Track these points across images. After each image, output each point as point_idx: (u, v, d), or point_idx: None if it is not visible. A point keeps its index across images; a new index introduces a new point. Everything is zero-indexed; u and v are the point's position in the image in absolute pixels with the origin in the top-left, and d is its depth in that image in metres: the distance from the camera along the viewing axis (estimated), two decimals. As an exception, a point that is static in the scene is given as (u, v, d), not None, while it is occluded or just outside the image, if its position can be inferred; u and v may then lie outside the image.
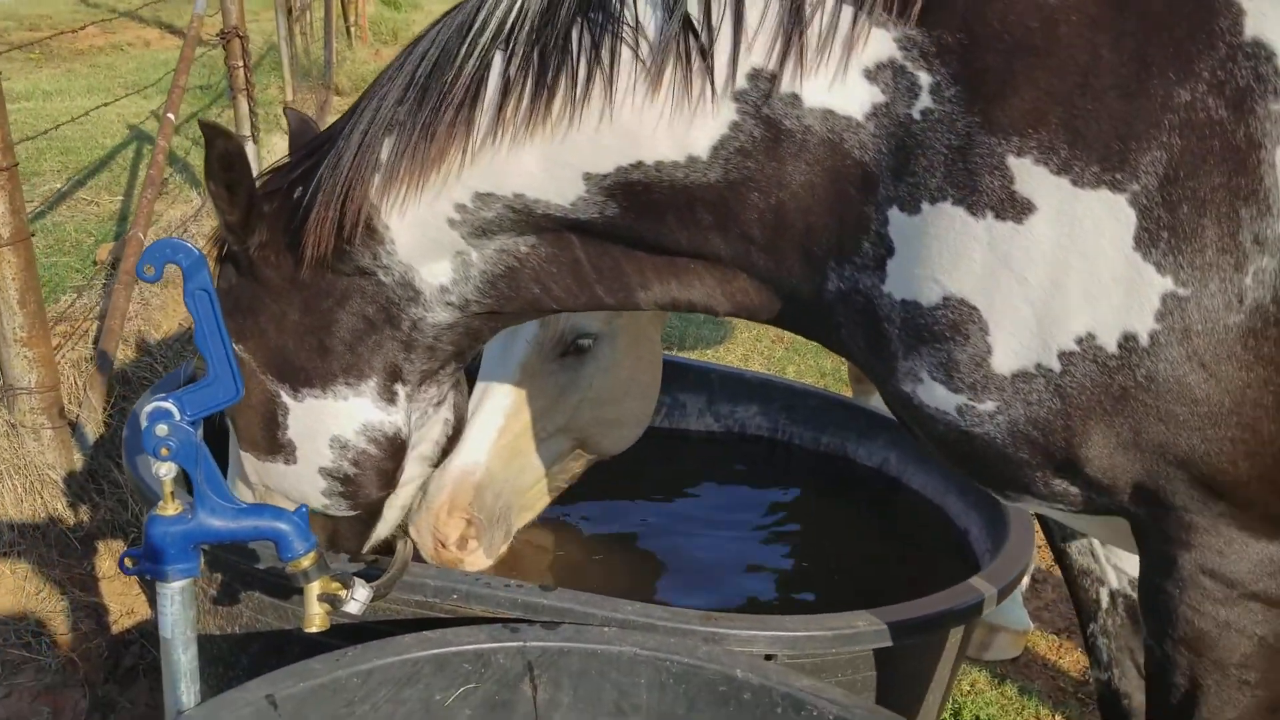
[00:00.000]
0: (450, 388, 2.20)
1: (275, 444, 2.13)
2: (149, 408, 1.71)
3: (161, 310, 4.83)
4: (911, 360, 1.66)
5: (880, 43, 1.61)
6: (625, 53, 1.68)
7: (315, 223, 1.90)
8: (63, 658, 2.84)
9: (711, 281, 1.89)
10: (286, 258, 2.00)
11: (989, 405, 1.61)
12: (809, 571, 2.80)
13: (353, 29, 15.65)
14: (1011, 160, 1.52)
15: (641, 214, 1.80)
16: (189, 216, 6.01)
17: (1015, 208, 1.52)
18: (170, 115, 5.37)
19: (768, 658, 2.10)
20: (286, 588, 2.20)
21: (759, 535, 2.93)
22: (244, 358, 2.06)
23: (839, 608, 2.23)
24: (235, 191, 1.94)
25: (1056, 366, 1.55)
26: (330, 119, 9.58)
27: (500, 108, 1.75)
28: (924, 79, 1.59)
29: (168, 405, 1.71)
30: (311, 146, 2.02)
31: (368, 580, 1.98)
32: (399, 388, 2.08)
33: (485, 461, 2.50)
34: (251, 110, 6.94)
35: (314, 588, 1.83)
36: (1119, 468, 1.58)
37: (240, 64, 6.84)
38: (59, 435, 3.39)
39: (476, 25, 1.76)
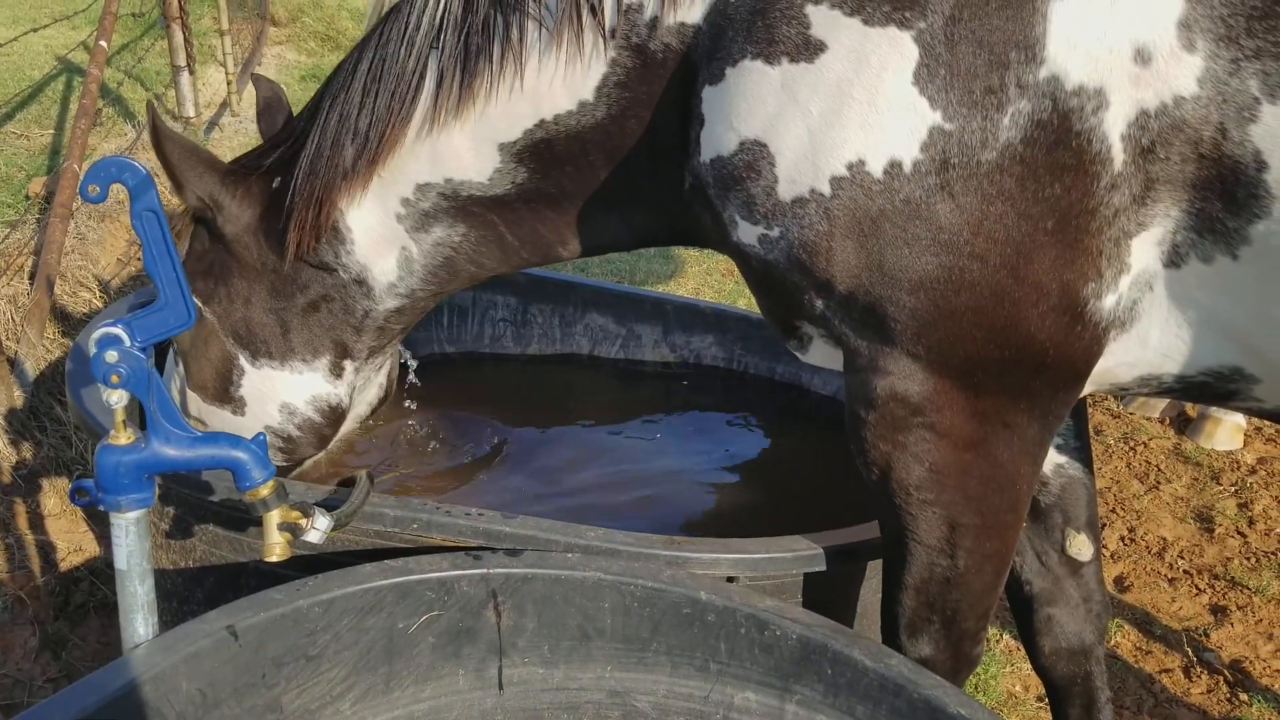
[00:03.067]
0: (391, 355, 2.48)
1: (226, 396, 2.37)
2: (98, 334, 1.66)
3: (99, 245, 4.70)
4: (729, 210, 1.83)
5: None
6: (530, 26, 1.90)
7: (296, 224, 2.15)
8: (10, 596, 2.79)
9: (614, 220, 2.11)
10: (263, 243, 2.25)
11: (775, 231, 1.77)
12: (766, 498, 2.82)
13: (288, -42, 15.20)
14: (810, 8, 1.67)
15: (546, 172, 2.03)
16: (124, 149, 5.83)
17: (809, 49, 1.67)
18: (103, 43, 5.18)
19: (729, 580, 2.11)
20: (242, 520, 2.18)
21: (717, 463, 2.94)
22: (208, 317, 2.30)
23: (797, 532, 2.24)
24: (184, 187, 2.24)
25: (827, 191, 1.69)
26: (267, 50, 9.30)
27: (435, 99, 1.99)
28: None
29: (117, 331, 1.66)
30: (283, 136, 2.27)
31: (328, 510, 1.95)
32: (347, 364, 2.35)
33: None
34: (186, 40, 6.72)
35: (273, 516, 1.80)
36: (861, 289, 1.73)
37: (173, -9, 6.61)
38: (-3, 372, 3.29)
39: (411, 27, 1.99)
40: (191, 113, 6.81)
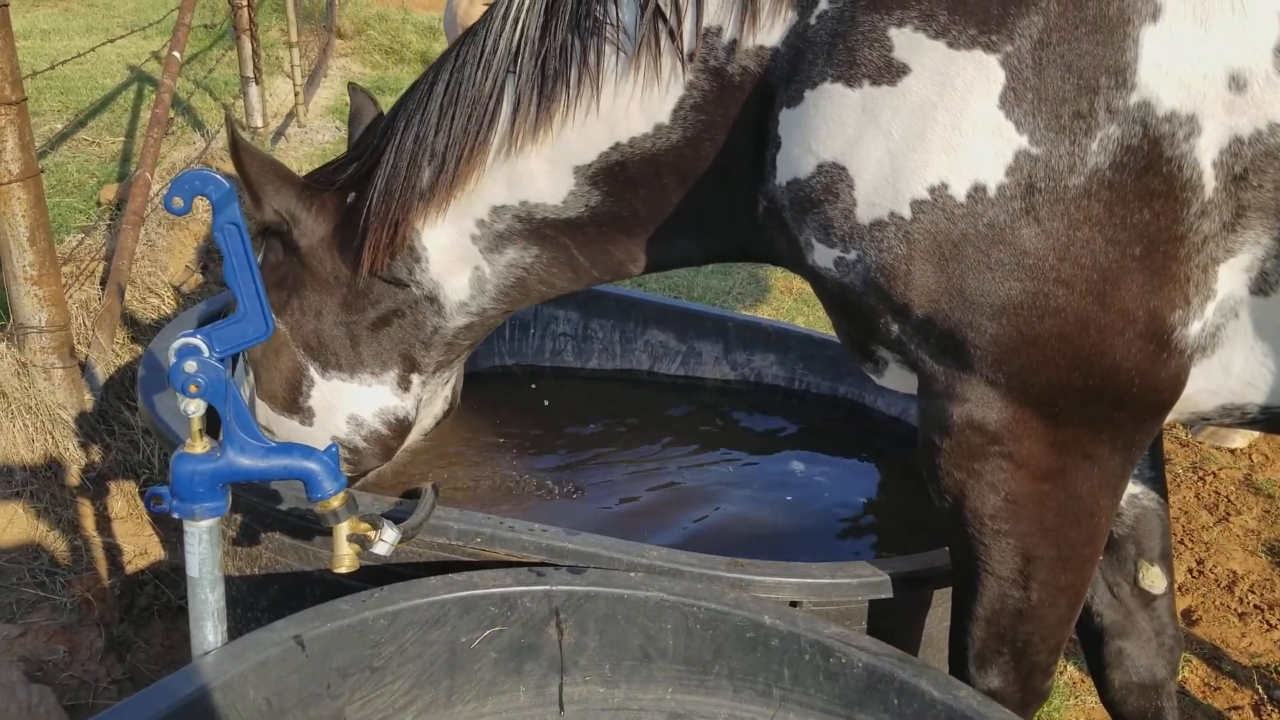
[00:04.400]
0: (458, 370, 2.49)
1: (295, 406, 2.38)
2: (177, 344, 1.68)
3: (168, 252, 4.77)
4: (805, 233, 1.82)
5: None
6: (608, 50, 1.91)
7: (371, 242, 2.18)
8: (78, 597, 2.83)
9: (685, 240, 2.11)
10: (336, 258, 2.27)
11: (853, 254, 1.75)
12: (829, 521, 2.79)
13: (354, -29, 15.43)
14: (893, 31, 1.65)
15: (620, 194, 2.03)
16: (193, 158, 5.93)
17: (891, 72, 1.65)
18: (175, 54, 5.28)
19: (793, 604, 2.09)
20: (307, 529, 2.19)
21: (779, 484, 2.91)
22: (280, 328, 2.32)
23: (862, 557, 2.21)
24: (263, 201, 2.27)
25: (907, 214, 1.67)
26: (333, 61, 9.45)
27: (513, 123, 2.01)
28: None
29: (196, 341, 1.68)
30: (360, 149, 2.30)
31: (395, 522, 1.96)
32: (415, 377, 2.37)
33: None
34: (255, 52, 6.83)
35: (343, 528, 1.81)
36: (940, 314, 1.71)
37: (244, 4, 6.73)
38: (69, 375, 3.35)
39: (488, 51, 2.02)
40: (259, 123, 6.92)
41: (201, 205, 5.58)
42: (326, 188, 2.29)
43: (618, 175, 2.01)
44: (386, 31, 11.64)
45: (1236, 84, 1.53)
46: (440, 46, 11.52)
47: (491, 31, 2.04)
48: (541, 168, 2.04)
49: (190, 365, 1.67)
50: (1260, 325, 1.69)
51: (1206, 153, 1.57)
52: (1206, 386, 1.76)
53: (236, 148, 2.21)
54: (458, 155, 2.07)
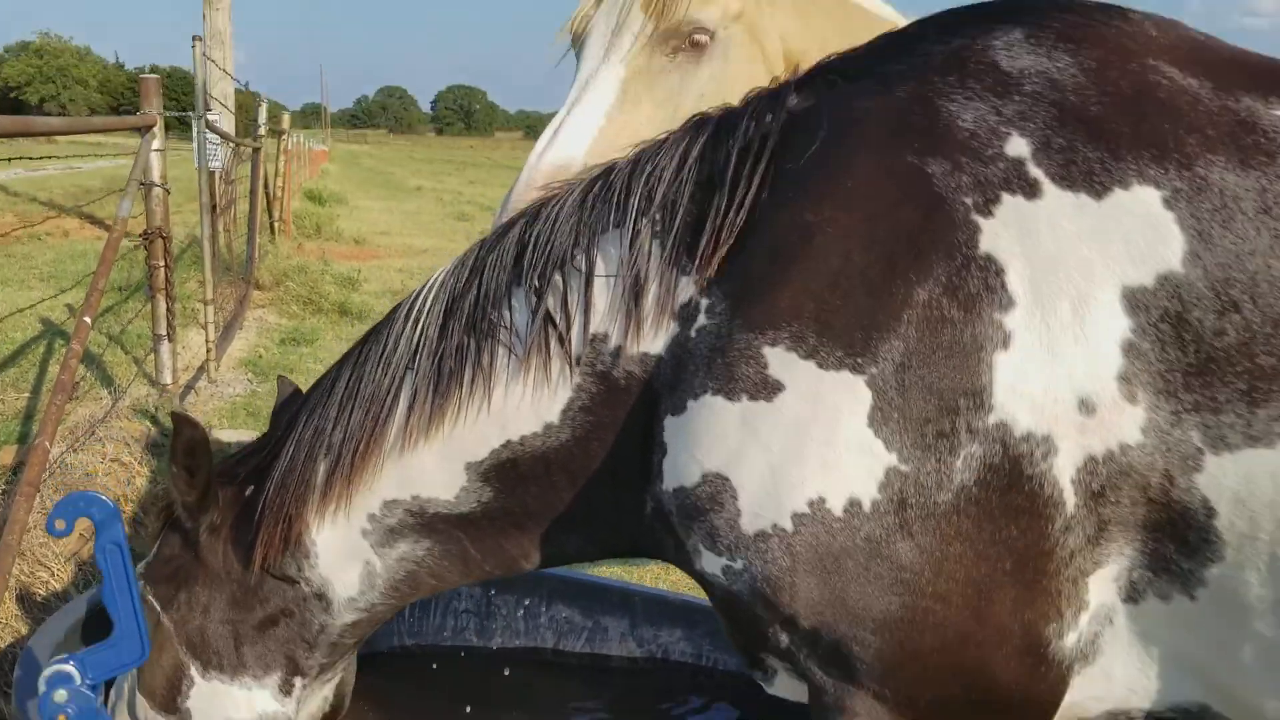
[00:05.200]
0: (343, 669, 2.44)
1: (173, 706, 2.27)
2: (48, 671, 1.63)
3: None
4: (692, 539, 1.85)
5: (686, 289, 1.88)
6: (501, 352, 2.00)
7: (264, 538, 2.16)
8: None
9: (577, 537, 2.13)
10: (230, 552, 2.25)
11: (739, 563, 1.78)
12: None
13: (276, 224, 15.83)
14: (767, 350, 1.73)
15: (511, 491, 2.07)
16: (97, 419, 5.87)
17: (767, 388, 1.72)
18: (86, 319, 5.29)
19: None
20: None
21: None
22: (165, 624, 2.23)
23: None
24: (195, 476, 2.19)
25: (789, 526, 1.71)
26: (250, 313, 9.49)
27: (408, 419, 2.06)
28: (704, 303, 1.84)
29: (68, 668, 1.63)
30: (264, 442, 2.32)
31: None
32: (297, 681, 2.31)
33: (581, 157, 2.49)
34: (169, 310, 6.89)
35: None
36: (826, 626, 1.73)
37: (162, 264, 6.82)
38: (-58, 663, 3.18)
39: (389, 349, 2.10)
40: (169, 380, 6.90)
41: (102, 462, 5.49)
42: (229, 481, 2.29)
43: (509, 472, 2.05)
44: (305, 283, 11.84)
45: (1086, 407, 1.63)
46: (358, 298, 11.74)
47: (393, 331, 2.12)
48: (434, 463, 2.08)
49: (60, 695, 1.61)
50: (1135, 633, 1.73)
51: (1064, 471, 1.65)
52: (1091, 694, 1.79)
53: (177, 442, 2.18)
54: (353, 450, 2.10)
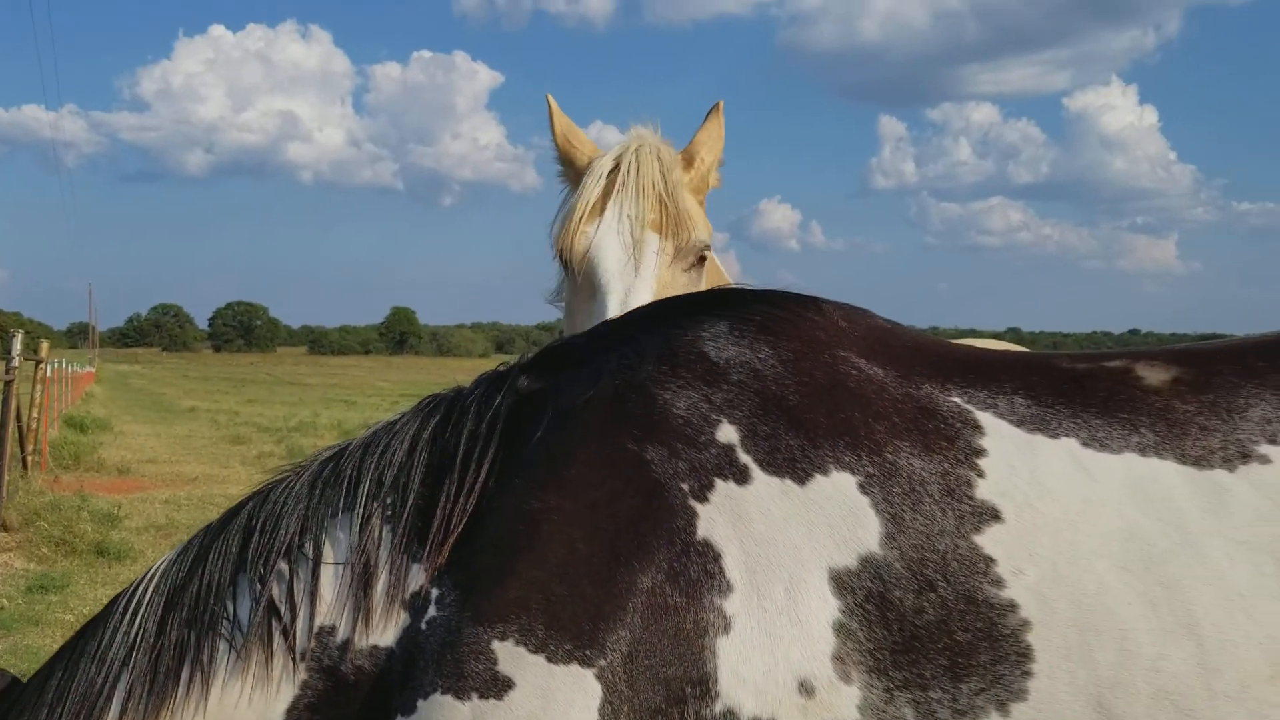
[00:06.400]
0: None
1: None
2: None
3: None
4: None
5: (417, 577, 1.85)
6: (221, 647, 1.89)
7: None
8: None
9: None
10: None
11: None
12: None
13: (30, 457, 14.85)
14: (496, 644, 1.71)
15: None
16: None
17: (498, 685, 1.70)
18: None
19: None
20: None
21: None
22: None
23: None
24: None
25: None
26: (-5, 561, 8.68)
27: (120, 717, 1.90)
28: (435, 593, 1.81)
29: None
30: None
31: None
32: None
33: None
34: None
35: None
36: None
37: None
38: None
39: (104, 644, 1.95)
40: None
41: None
42: None
43: None
44: (59, 521, 11.07)
45: (805, 689, 1.69)
46: (118, 535, 11.04)
47: (110, 624, 1.99)
48: None
49: None
50: None
51: None
52: None
53: None
54: None
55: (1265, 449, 1.78)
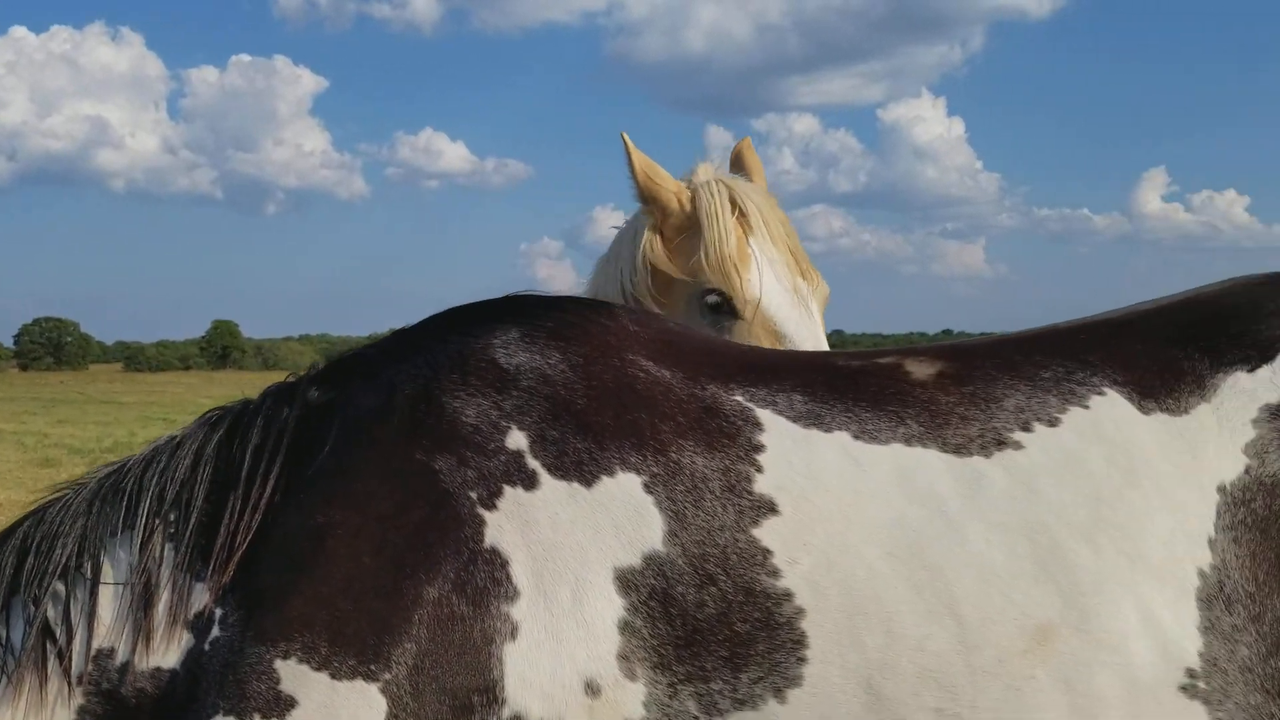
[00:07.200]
0: None
1: None
2: None
3: None
4: None
5: (201, 596, 1.82)
6: None
7: None
8: None
9: None
10: None
11: None
12: None
13: None
14: (279, 664, 1.70)
15: None
16: None
17: (280, 706, 1.69)
18: None
19: None
20: None
21: None
22: None
23: None
24: None
25: None
26: None
27: None
28: (219, 613, 1.79)
29: None
30: None
31: None
32: None
33: None
34: None
35: None
36: None
37: None
38: None
39: None
40: None
41: None
42: None
43: None
44: None
45: (591, 689, 1.72)
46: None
47: None
48: None
49: None
50: None
51: None
52: None
53: None
54: None
55: (1019, 435, 1.90)
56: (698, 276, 3.13)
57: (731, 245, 3.14)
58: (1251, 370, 1.91)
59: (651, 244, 3.19)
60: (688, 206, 3.24)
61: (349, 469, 1.85)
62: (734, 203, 3.22)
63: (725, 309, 3.13)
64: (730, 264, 3.12)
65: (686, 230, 3.21)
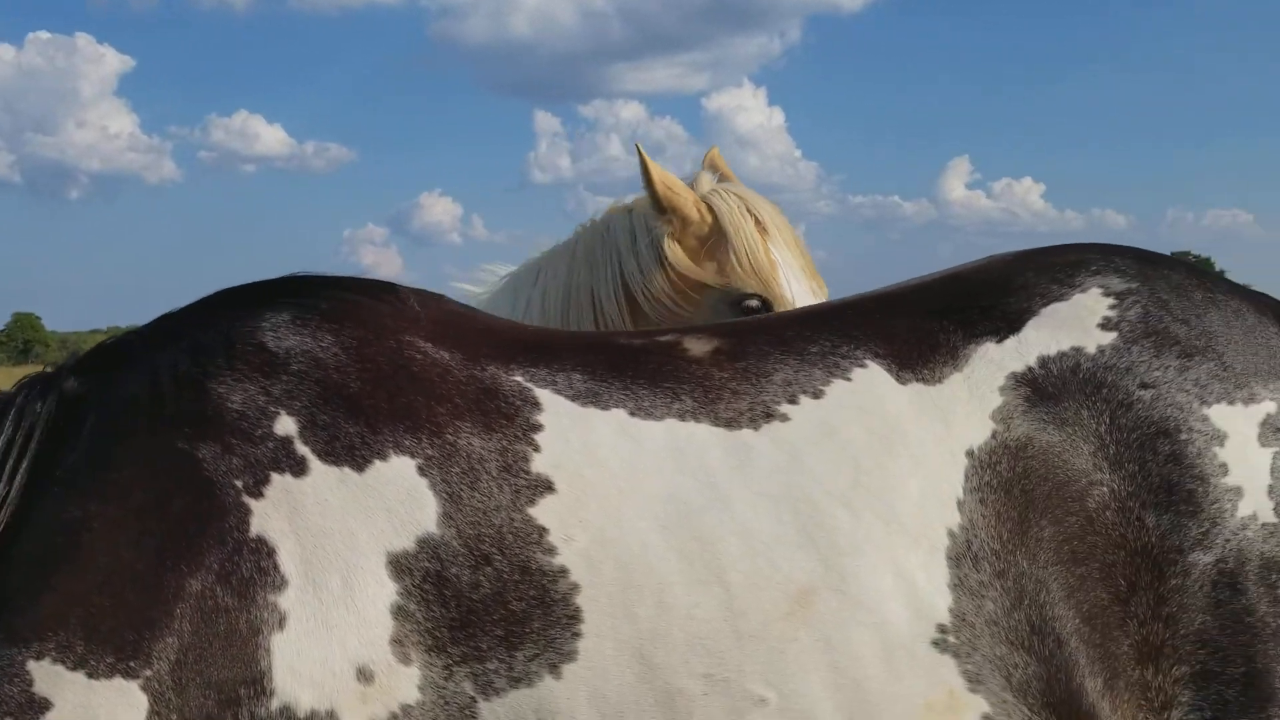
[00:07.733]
0: None
1: None
2: None
3: None
4: None
5: None
6: None
7: None
8: None
9: None
10: None
11: None
12: None
13: None
14: (31, 664, 1.64)
15: None
16: None
17: (34, 708, 1.63)
18: None
19: None
20: None
21: None
22: None
23: None
24: None
25: None
26: None
27: None
28: None
29: None
30: None
31: None
32: None
33: None
34: None
35: None
36: None
37: None
38: None
39: None
40: None
41: None
42: None
43: None
44: None
45: (364, 676, 1.70)
46: None
47: None
48: None
49: None
50: None
51: None
52: None
53: None
54: None
55: (785, 408, 1.97)
56: (730, 281, 3.34)
57: (762, 252, 3.37)
58: (1000, 341, 2.03)
59: (674, 251, 3.38)
60: (707, 216, 3.44)
61: (106, 460, 1.78)
62: (750, 211, 3.45)
63: (765, 312, 3.35)
64: (766, 270, 3.36)
65: (708, 238, 3.42)
